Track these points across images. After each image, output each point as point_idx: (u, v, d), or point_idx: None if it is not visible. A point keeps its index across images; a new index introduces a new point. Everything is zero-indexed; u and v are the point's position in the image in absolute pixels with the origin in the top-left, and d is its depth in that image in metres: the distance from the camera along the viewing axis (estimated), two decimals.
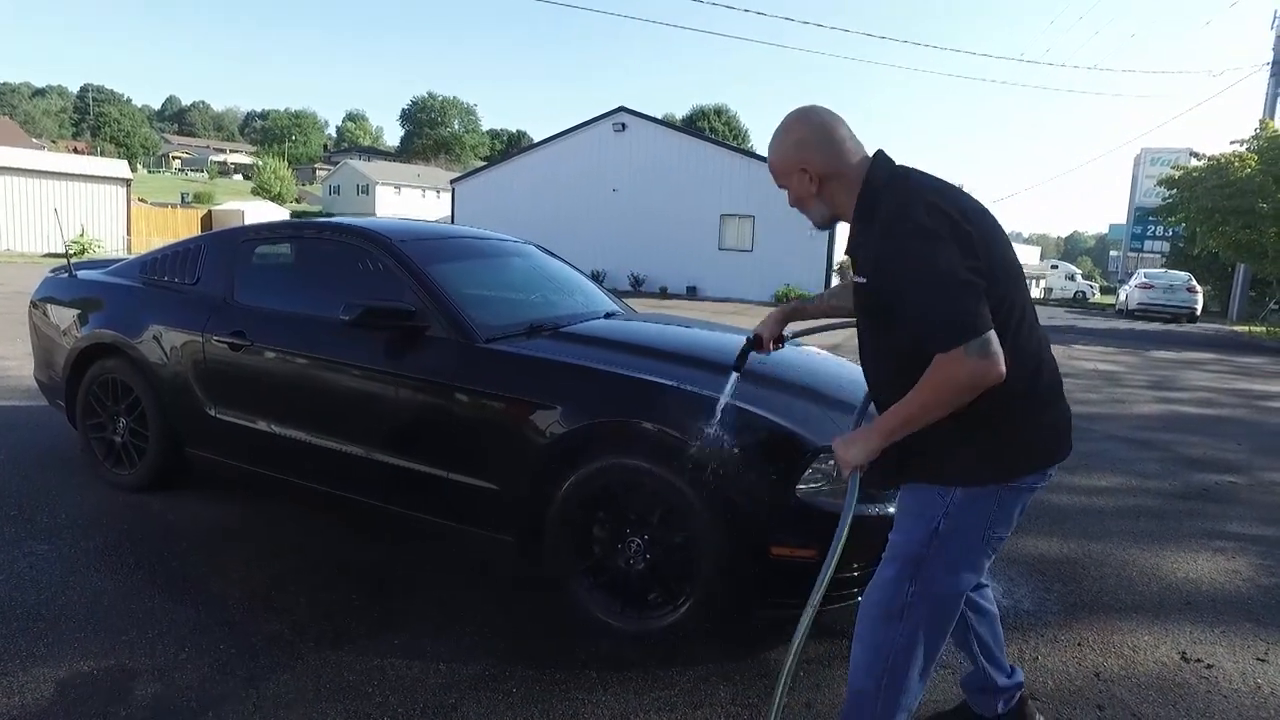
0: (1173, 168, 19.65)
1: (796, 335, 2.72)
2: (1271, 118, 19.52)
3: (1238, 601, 3.29)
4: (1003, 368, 1.53)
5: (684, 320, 4.30)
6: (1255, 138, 16.70)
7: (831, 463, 2.53)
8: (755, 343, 2.38)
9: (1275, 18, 20.68)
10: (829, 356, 3.67)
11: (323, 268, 3.59)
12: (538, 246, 4.44)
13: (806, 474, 2.50)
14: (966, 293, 1.53)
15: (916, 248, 1.56)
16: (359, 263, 3.38)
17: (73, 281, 4.20)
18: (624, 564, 2.67)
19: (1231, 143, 17.12)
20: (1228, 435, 6.75)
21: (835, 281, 22.10)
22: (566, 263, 4.45)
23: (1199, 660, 2.77)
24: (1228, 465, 5.65)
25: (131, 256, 4.38)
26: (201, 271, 3.76)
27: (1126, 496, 4.79)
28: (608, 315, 3.78)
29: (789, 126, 1.79)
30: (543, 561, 2.80)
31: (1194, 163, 18.30)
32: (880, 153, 1.78)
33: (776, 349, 2.41)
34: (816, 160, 1.74)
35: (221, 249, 3.80)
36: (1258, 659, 2.80)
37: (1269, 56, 20.87)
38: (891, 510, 2.64)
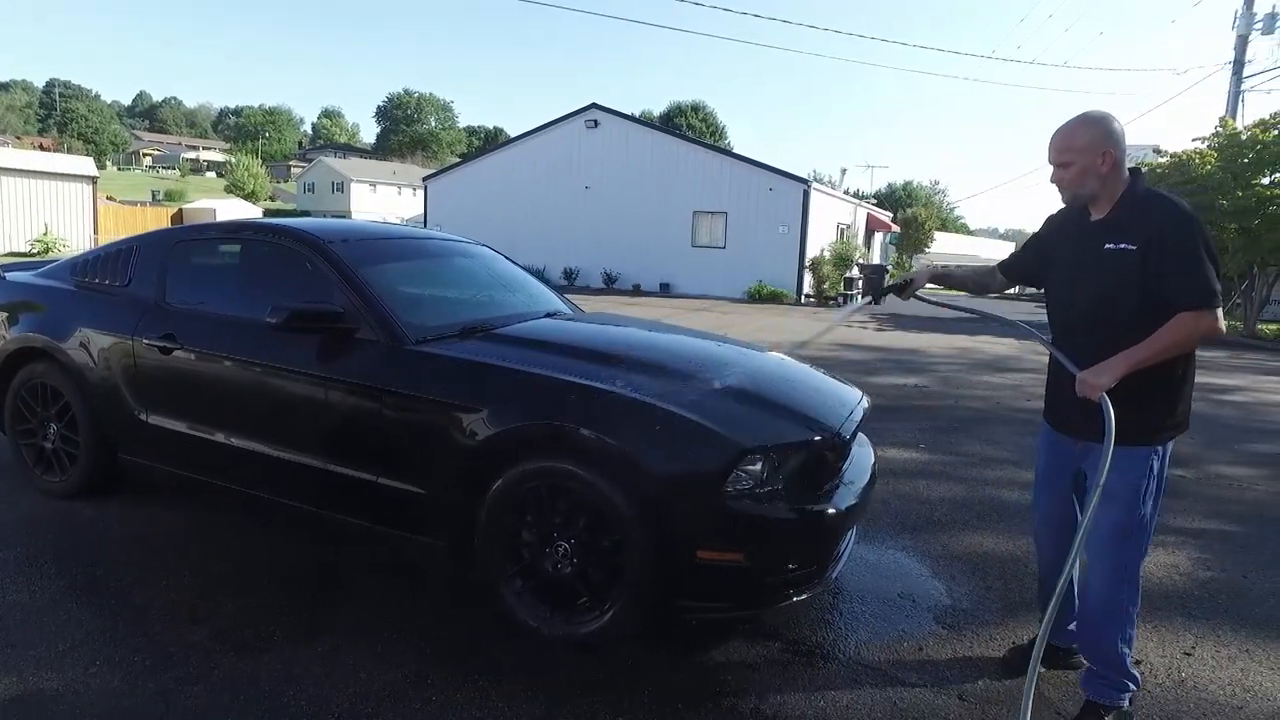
0: (1138, 164, 19.82)
1: (930, 301, 2.95)
2: (1233, 116, 19.81)
3: (1173, 595, 3.32)
4: (1224, 328, 2.18)
5: (626, 319, 4.26)
6: (1215, 135, 16.93)
7: (759, 465, 2.51)
8: (903, 286, 2.76)
9: (1236, 17, 20.95)
10: (771, 356, 3.64)
11: (255, 269, 3.52)
12: (488, 247, 4.38)
13: (733, 476, 2.47)
14: (1217, 276, 2.15)
15: (1202, 239, 2.16)
16: (290, 264, 3.31)
17: (0, 284, 4.08)
18: (552, 568, 2.63)
19: (1193, 140, 17.34)
20: None
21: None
22: (515, 263, 4.39)
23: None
24: (1178, 459, 5.66)
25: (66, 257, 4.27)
26: (133, 273, 3.67)
27: None
28: (549, 315, 3.74)
29: (1102, 118, 2.29)
30: (472, 566, 2.76)
31: (1158, 160, 18.52)
32: (1139, 167, 2.37)
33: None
34: (1117, 151, 2.27)
35: (153, 250, 3.71)
36: (1185, 653, 2.83)
37: (1231, 55, 21.18)
38: (831, 511, 2.64)
